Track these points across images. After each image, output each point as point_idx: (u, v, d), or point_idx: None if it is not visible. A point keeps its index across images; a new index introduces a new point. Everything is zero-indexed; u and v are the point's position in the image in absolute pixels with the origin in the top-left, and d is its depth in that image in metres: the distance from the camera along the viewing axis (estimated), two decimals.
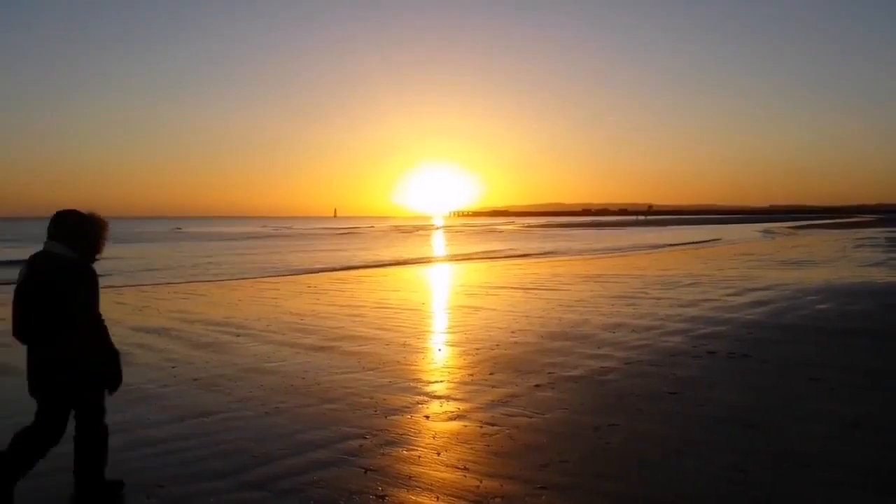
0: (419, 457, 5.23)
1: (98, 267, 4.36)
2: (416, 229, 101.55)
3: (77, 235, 4.21)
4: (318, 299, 16.04)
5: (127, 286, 20.38)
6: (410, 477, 4.83)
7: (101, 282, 4.45)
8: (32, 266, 4.15)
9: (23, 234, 75.38)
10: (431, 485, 4.70)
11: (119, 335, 10.30)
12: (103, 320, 4.35)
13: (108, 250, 4.69)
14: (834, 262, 25.61)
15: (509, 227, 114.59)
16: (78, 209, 4.29)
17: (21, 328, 4.15)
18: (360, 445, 5.48)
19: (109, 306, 15.27)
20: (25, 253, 4.97)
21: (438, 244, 54.89)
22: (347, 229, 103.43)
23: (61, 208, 4.29)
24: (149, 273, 26.48)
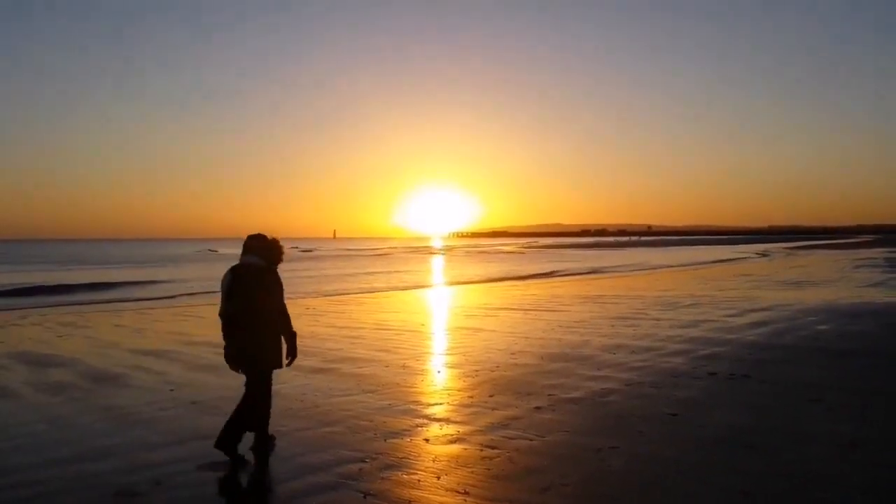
0: (419, 480, 5.20)
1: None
2: (438, 251, 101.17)
3: (266, 251, 5.89)
4: (316, 321, 16.02)
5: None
6: (411, 501, 4.80)
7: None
8: (236, 273, 5.69)
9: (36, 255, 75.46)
10: None
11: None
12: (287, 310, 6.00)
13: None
14: (833, 282, 25.62)
15: (509, 247, 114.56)
16: (264, 233, 5.96)
17: (231, 314, 5.62)
18: (360, 469, 5.45)
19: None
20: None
21: (483, 265, 54.88)
22: (379, 251, 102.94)
23: (251, 233, 5.95)
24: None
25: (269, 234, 5.96)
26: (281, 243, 5.97)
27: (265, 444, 6.00)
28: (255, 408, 5.81)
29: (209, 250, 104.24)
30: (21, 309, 21.72)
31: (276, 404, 7.60)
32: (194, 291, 29.29)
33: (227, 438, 5.67)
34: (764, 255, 63.46)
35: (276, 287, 5.90)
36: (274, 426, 6.70)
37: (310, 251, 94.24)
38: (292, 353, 6.01)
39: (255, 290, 5.66)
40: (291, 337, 6.02)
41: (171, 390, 8.46)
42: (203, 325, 15.75)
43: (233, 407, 6.85)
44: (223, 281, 5.70)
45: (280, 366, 5.91)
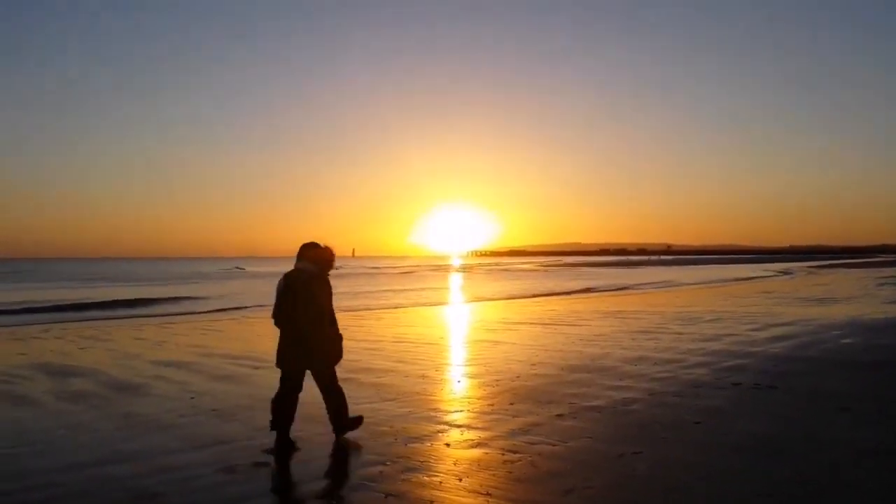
0: (440, 482, 5.14)
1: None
2: (459, 268, 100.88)
3: (318, 258, 6.31)
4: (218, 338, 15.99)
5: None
6: (432, 502, 4.75)
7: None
8: (290, 279, 6.16)
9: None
10: None
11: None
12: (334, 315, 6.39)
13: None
14: (857, 299, 25.29)
15: (528, 265, 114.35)
16: (317, 241, 6.39)
17: (277, 316, 6.17)
18: (380, 472, 5.41)
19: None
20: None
21: (503, 282, 54.82)
22: (401, 268, 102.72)
23: (304, 241, 6.39)
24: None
25: (322, 243, 6.42)
26: (332, 251, 6.41)
27: (278, 446, 6.14)
28: (338, 395, 6.49)
29: (237, 268, 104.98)
30: (44, 324, 21.89)
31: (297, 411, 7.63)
32: (227, 307, 29.33)
33: (337, 425, 6.46)
34: (785, 273, 62.85)
35: (325, 292, 6.27)
36: (294, 431, 6.68)
37: (336, 269, 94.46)
38: (338, 354, 6.46)
39: (299, 296, 6.12)
40: (338, 339, 6.43)
41: (192, 398, 8.46)
42: (223, 338, 15.79)
43: (251, 414, 6.87)
44: (277, 286, 6.20)
45: (315, 367, 6.35)
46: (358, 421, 6.62)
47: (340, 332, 6.48)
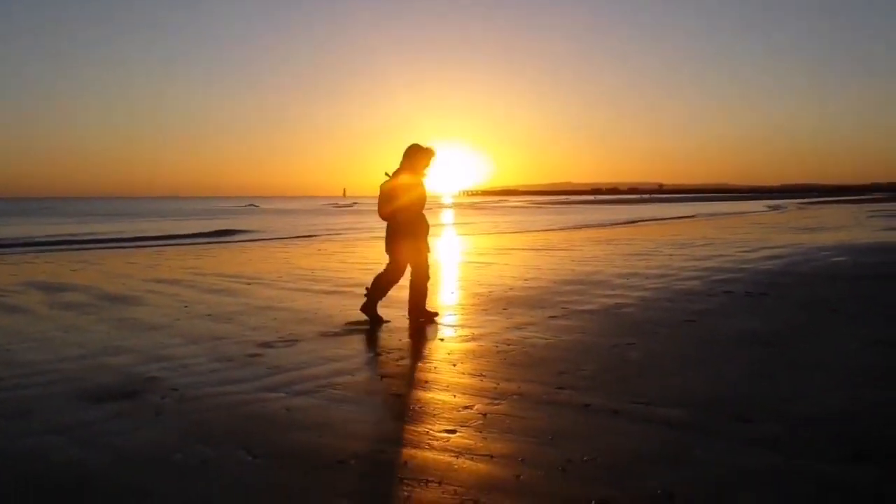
0: (435, 367, 5.19)
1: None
2: (451, 206, 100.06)
3: (413, 160, 6.99)
4: (328, 259, 16.00)
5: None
6: (427, 381, 4.79)
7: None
8: (388, 182, 6.95)
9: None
10: (448, 386, 4.66)
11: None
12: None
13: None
14: (848, 227, 25.39)
15: (520, 203, 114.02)
16: (417, 143, 7.04)
17: (381, 213, 7.01)
18: (376, 359, 5.45)
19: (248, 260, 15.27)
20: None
21: (496, 217, 54.70)
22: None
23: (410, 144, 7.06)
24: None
25: (422, 144, 7.04)
26: (432, 152, 7.03)
27: (369, 314, 7.13)
28: (381, 279, 7.20)
29: (251, 205, 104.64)
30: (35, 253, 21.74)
31: (290, 315, 7.66)
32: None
33: (368, 304, 7.14)
34: (777, 208, 62.97)
35: (418, 192, 6.99)
36: (288, 330, 6.72)
37: (351, 206, 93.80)
38: (427, 245, 7.20)
39: (396, 196, 6.89)
40: (427, 231, 7.19)
41: (185, 307, 8.46)
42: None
43: (245, 319, 6.91)
44: (381, 187, 6.98)
45: (411, 259, 7.09)
46: (431, 315, 7.25)
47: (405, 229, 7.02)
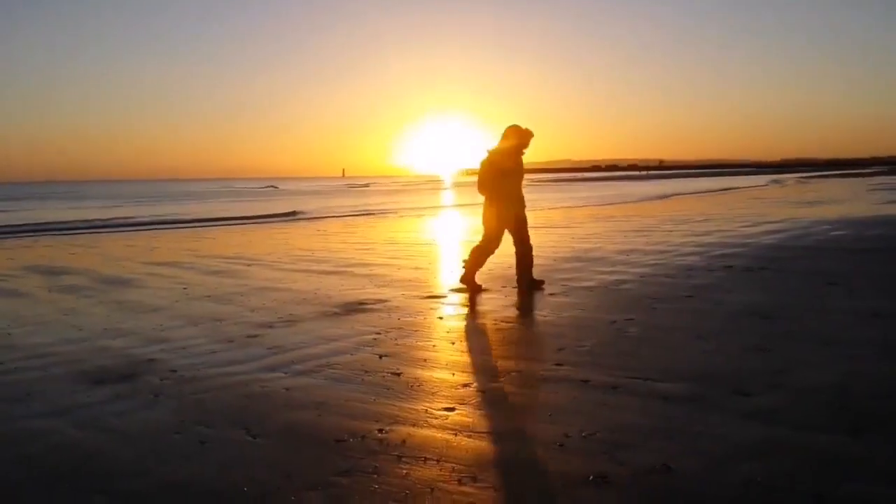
0: (433, 345, 5.19)
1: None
2: (459, 185, 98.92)
3: (512, 138, 7.55)
4: (328, 239, 15.98)
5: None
6: (426, 360, 4.79)
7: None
8: (489, 156, 7.56)
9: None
10: (447, 364, 4.66)
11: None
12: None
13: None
14: (848, 201, 25.33)
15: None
16: (517, 124, 7.62)
17: (480, 187, 7.62)
18: (375, 339, 5.44)
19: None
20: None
21: None
22: (414, 185, 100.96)
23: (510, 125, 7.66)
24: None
25: (521, 126, 7.61)
26: (530, 132, 7.60)
27: (468, 284, 7.59)
28: (477, 251, 7.70)
29: (270, 186, 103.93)
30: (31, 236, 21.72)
31: (290, 296, 7.66)
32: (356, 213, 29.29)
33: (466, 275, 7.64)
34: (776, 182, 62.80)
35: (518, 167, 7.70)
36: (288, 311, 6.72)
37: (367, 186, 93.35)
38: (524, 218, 7.74)
39: (493, 170, 7.50)
40: (522, 205, 7.73)
41: (185, 289, 8.46)
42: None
43: (245, 300, 6.93)
44: (481, 163, 7.58)
45: (508, 226, 7.61)
46: (538, 283, 7.70)
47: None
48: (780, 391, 3.89)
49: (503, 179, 7.54)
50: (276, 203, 41.48)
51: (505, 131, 7.61)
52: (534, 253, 7.84)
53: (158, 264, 11.30)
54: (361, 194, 59.86)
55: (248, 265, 10.70)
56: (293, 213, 29.99)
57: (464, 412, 3.73)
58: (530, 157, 8.09)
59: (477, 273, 7.72)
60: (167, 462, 3.22)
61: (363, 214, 27.92)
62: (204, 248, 14.19)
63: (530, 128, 7.63)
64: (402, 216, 25.73)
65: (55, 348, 5.47)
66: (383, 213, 28.95)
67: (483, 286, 7.64)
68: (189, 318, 6.53)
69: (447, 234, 17.15)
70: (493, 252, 7.69)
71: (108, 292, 8.37)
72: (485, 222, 7.68)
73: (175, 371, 4.70)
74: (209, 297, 7.75)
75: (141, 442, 3.48)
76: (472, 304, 6.94)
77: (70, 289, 8.74)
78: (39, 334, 6.06)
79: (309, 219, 25.59)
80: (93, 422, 3.79)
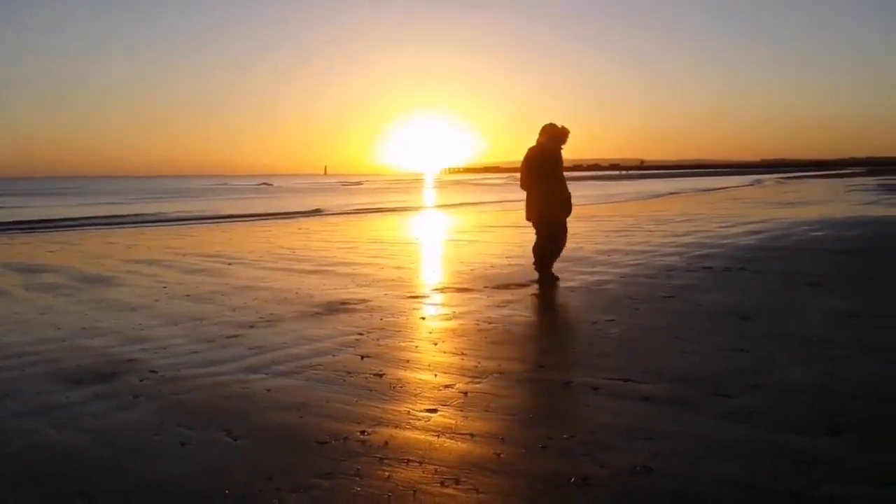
0: (416, 346, 5.18)
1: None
2: (436, 184, 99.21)
3: (551, 135, 7.94)
4: (309, 237, 15.92)
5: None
6: (408, 361, 4.78)
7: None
8: (531, 152, 7.96)
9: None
10: (429, 365, 4.66)
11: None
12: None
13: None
14: (828, 202, 25.59)
15: (500, 180, 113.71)
16: (553, 122, 7.98)
17: (523, 183, 8.01)
18: (357, 339, 5.43)
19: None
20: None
21: (475, 194, 54.51)
22: (402, 183, 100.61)
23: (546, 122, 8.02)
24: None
25: (557, 124, 7.96)
26: (565, 130, 7.97)
27: (545, 281, 7.81)
28: (538, 247, 7.99)
29: (264, 184, 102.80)
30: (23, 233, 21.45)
31: (271, 295, 7.62)
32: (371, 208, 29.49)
33: (541, 270, 7.94)
34: (755, 183, 63.30)
35: (558, 162, 7.96)
36: (269, 310, 6.69)
37: (359, 184, 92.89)
38: (567, 208, 8.01)
39: (535, 166, 7.86)
40: (567, 197, 7.99)
41: (164, 287, 8.40)
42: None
43: (224, 299, 6.91)
44: (524, 160, 7.98)
45: (556, 219, 7.92)
46: (552, 278, 7.90)
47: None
48: (759, 392, 3.93)
49: (539, 180, 7.87)
50: (290, 201, 41.28)
51: (543, 129, 7.94)
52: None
53: (138, 262, 11.21)
54: (359, 192, 59.77)
55: (229, 264, 10.63)
56: (317, 211, 30.55)
57: (446, 414, 3.73)
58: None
59: (552, 266, 8.05)
60: (147, 463, 3.19)
61: (383, 211, 29.18)
62: (184, 247, 14.09)
63: (566, 127, 7.98)
64: (421, 213, 25.67)
65: (33, 347, 5.41)
66: (403, 210, 29.79)
67: (557, 276, 7.98)
68: (169, 318, 6.48)
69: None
70: (560, 241, 8.03)
71: (87, 291, 8.29)
72: (530, 218, 8.05)
73: (155, 371, 4.66)
74: (188, 296, 7.70)
75: (120, 443, 3.45)
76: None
77: (48, 287, 8.65)
78: (16, 333, 6.00)
79: (330, 214, 27.10)
80: (72, 422, 3.75)
